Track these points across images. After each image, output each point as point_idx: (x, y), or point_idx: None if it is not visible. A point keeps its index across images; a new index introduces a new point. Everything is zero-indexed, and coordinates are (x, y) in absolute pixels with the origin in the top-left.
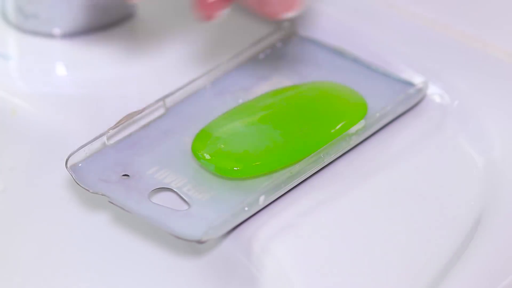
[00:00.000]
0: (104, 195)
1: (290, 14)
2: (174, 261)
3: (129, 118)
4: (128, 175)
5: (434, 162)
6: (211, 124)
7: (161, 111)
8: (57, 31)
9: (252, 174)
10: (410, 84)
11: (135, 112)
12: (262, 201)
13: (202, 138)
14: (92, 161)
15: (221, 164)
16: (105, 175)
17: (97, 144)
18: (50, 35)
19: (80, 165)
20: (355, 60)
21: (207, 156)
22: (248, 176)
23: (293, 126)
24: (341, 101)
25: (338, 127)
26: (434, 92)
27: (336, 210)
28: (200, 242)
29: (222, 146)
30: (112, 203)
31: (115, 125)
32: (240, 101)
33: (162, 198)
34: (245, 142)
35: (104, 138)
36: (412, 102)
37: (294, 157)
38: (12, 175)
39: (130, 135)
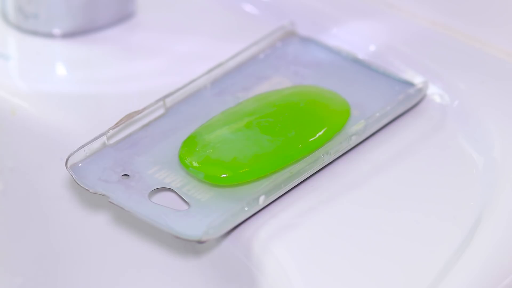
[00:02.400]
0: (104, 195)
1: None
2: (174, 261)
3: (129, 118)
4: (128, 175)
5: (434, 162)
6: (198, 131)
7: (161, 111)
8: (57, 31)
9: (241, 181)
10: (410, 84)
11: (135, 112)
12: (262, 201)
13: (189, 145)
14: (92, 161)
15: (211, 171)
16: (105, 175)
17: (97, 144)
18: (50, 35)
19: (80, 165)
20: (355, 60)
21: (196, 164)
22: (237, 183)
23: (280, 131)
24: (324, 106)
25: (320, 133)
26: (434, 92)
27: (336, 210)
28: (200, 242)
29: (210, 153)
30: (112, 203)
31: (115, 125)
32: (240, 101)
33: (162, 198)
34: (233, 148)
35: (104, 138)
36: (412, 102)
37: (283, 162)
38: (12, 175)
39: (130, 135)
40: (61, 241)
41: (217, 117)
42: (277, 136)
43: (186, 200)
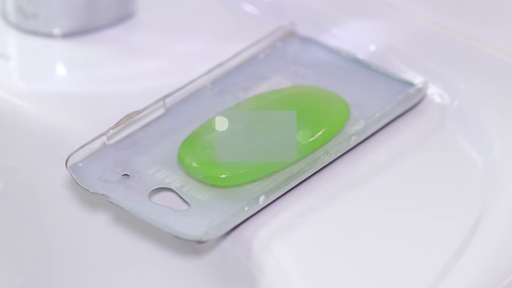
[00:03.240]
0: (104, 195)
1: None
2: (174, 261)
3: (129, 118)
4: (128, 175)
5: (434, 162)
6: (197, 132)
7: (161, 111)
8: (57, 31)
9: (240, 181)
10: (410, 84)
11: (135, 112)
12: (262, 201)
13: (188, 146)
14: (92, 161)
15: (210, 172)
16: (105, 175)
17: (97, 144)
18: (50, 35)
19: (80, 165)
20: (355, 60)
21: (195, 165)
22: (236, 184)
23: (279, 131)
24: (323, 107)
25: (319, 133)
26: (434, 92)
27: (336, 210)
28: (200, 242)
29: (210, 153)
30: (112, 203)
31: (115, 125)
32: (240, 101)
33: (162, 198)
34: (232, 149)
35: (104, 138)
36: (412, 102)
37: (281, 163)
38: (12, 175)
39: (130, 135)
40: (61, 241)
41: (215, 117)
42: (277, 136)
43: (186, 200)
